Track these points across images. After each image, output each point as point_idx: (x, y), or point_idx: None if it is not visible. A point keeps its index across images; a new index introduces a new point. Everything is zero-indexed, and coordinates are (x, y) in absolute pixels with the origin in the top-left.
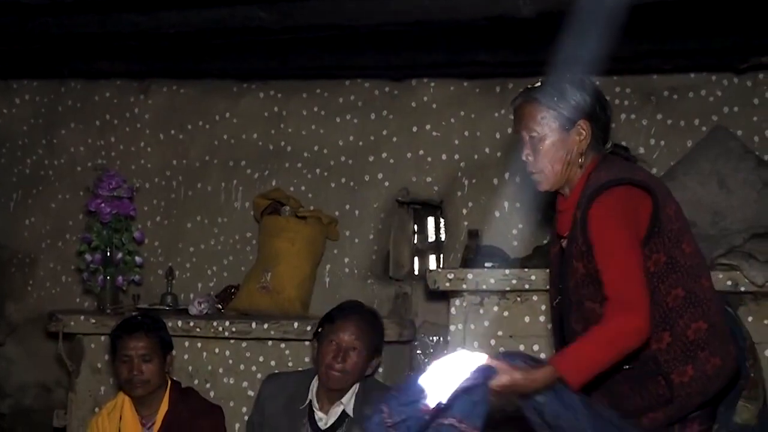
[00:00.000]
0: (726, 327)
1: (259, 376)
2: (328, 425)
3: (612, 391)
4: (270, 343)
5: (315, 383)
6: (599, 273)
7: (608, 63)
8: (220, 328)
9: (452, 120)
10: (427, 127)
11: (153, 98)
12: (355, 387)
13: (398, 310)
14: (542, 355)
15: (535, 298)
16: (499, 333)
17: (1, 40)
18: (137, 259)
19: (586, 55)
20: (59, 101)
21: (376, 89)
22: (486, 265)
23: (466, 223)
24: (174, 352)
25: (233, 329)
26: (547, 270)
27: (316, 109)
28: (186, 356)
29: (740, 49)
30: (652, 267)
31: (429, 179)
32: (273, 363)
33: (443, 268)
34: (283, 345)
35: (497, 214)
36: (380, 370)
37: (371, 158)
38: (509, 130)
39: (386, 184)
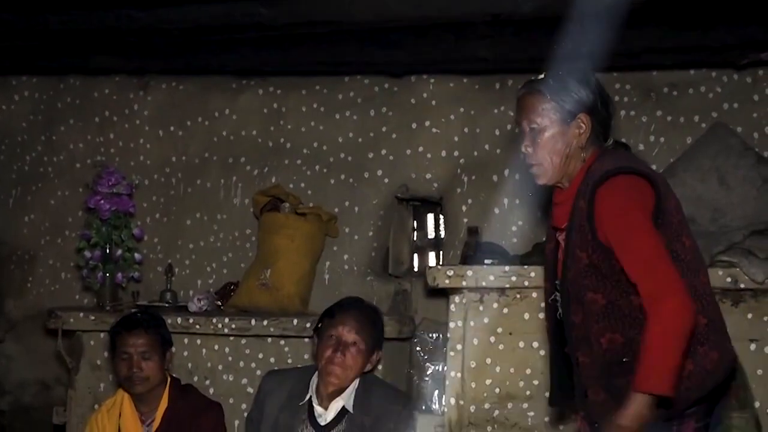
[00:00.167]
0: (723, 323)
1: (258, 372)
2: (328, 421)
3: (610, 384)
4: (269, 340)
5: (315, 380)
6: (620, 261)
7: (608, 59)
8: (220, 325)
9: (452, 117)
10: (427, 123)
11: (152, 95)
12: (355, 383)
13: (398, 307)
14: (541, 353)
15: (534, 295)
16: (499, 330)
17: (0, 37)
18: (136, 255)
19: (585, 51)
20: (58, 98)
21: (376, 86)
22: (486, 262)
23: (465, 220)
24: (173, 349)
25: (233, 326)
26: None
27: (315, 105)
28: (185, 353)
29: (740, 46)
30: None
31: (428, 176)
32: (272, 360)
33: (443, 265)
34: (282, 342)
35: (497, 211)
36: (380, 367)
37: (371, 155)
38: (509, 127)
39: (386, 180)
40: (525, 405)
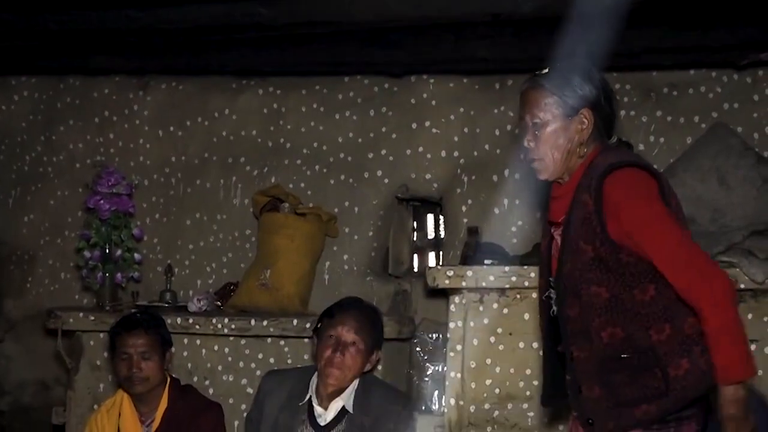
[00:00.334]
0: None
1: (258, 373)
2: (328, 422)
3: (606, 380)
4: (269, 340)
5: (314, 380)
6: (648, 253)
7: (608, 59)
8: (219, 325)
9: (452, 117)
10: (427, 123)
11: (152, 95)
12: (355, 383)
13: (397, 308)
14: (541, 353)
15: (534, 295)
16: (499, 330)
17: (0, 37)
18: (136, 256)
19: (585, 51)
20: (58, 98)
21: (376, 86)
22: (485, 262)
23: (465, 220)
24: (173, 350)
25: (232, 326)
26: None
27: (315, 105)
28: (185, 353)
29: (740, 46)
30: None
31: (428, 176)
32: (272, 360)
33: (443, 265)
34: (282, 342)
35: (497, 211)
36: (379, 367)
37: (370, 155)
38: (509, 127)
39: (386, 181)
40: (525, 405)
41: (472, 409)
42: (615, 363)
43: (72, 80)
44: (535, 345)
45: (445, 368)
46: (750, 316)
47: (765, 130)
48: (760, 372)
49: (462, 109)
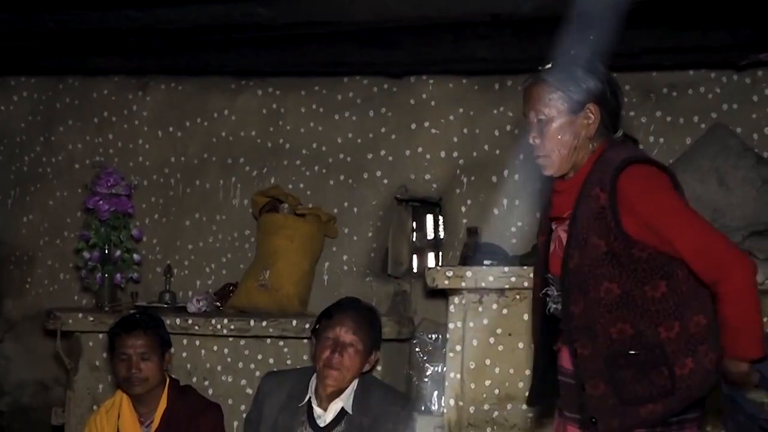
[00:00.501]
0: None
1: (257, 373)
2: (327, 423)
3: (613, 376)
4: (268, 340)
5: (314, 381)
6: (673, 243)
7: (607, 59)
8: (219, 326)
9: (451, 117)
10: (426, 124)
11: (151, 95)
12: (354, 384)
13: (397, 308)
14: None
15: None
16: (498, 331)
17: (0, 37)
18: (135, 256)
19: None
20: (57, 98)
21: (375, 86)
22: (485, 262)
23: (465, 221)
24: (172, 350)
25: (232, 327)
26: None
27: (314, 106)
28: (184, 354)
29: (739, 46)
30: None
31: (428, 177)
32: (271, 361)
33: (442, 265)
34: (281, 343)
35: (496, 211)
36: (378, 368)
37: (370, 156)
38: (508, 128)
39: (385, 181)
40: (524, 406)
41: (471, 409)
42: (623, 359)
43: (71, 80)
44: None
45: (445, 369)
46: None
47: (764, 131)
48: None
49: (461, 110)
